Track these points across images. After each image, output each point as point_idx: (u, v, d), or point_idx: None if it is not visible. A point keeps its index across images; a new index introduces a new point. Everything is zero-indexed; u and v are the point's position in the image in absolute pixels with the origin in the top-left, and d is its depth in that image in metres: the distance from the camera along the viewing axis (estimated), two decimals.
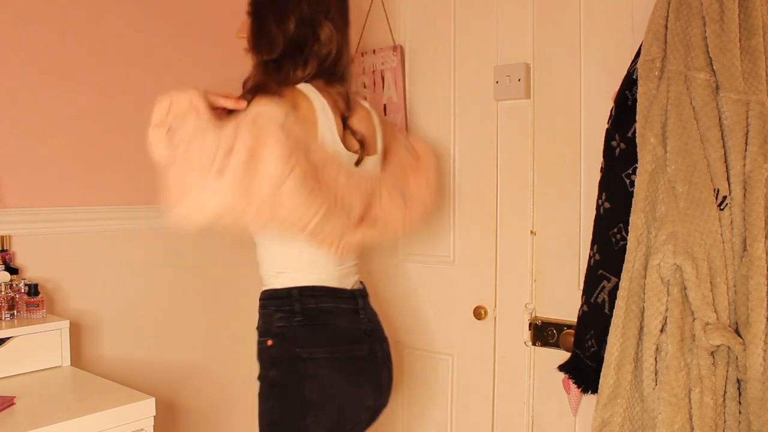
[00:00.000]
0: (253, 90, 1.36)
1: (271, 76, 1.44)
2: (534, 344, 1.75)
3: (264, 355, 1.46)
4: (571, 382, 1.52)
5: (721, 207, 1.25)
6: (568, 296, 1.67)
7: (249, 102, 1.30)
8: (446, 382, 1.96)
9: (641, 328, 1.32)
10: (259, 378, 1.47)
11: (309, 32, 1.45)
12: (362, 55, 2.07)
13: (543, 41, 1.72)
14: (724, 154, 1.26)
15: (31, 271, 1.74)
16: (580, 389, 1.49)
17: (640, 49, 1.39)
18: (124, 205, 1.95)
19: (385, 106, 2.00)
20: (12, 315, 1.61)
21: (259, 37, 1.49)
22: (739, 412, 1.26)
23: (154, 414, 1.42)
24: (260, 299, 1.49)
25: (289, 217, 1.22)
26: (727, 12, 1.27)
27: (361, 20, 2.03)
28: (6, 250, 1.68)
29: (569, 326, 1.65)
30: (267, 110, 1.21)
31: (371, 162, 1.53)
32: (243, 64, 2.38)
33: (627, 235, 1.35)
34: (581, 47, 1.65)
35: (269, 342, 1.45)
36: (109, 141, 1.92)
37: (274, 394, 1.44)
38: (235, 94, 1.34)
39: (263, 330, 1.48)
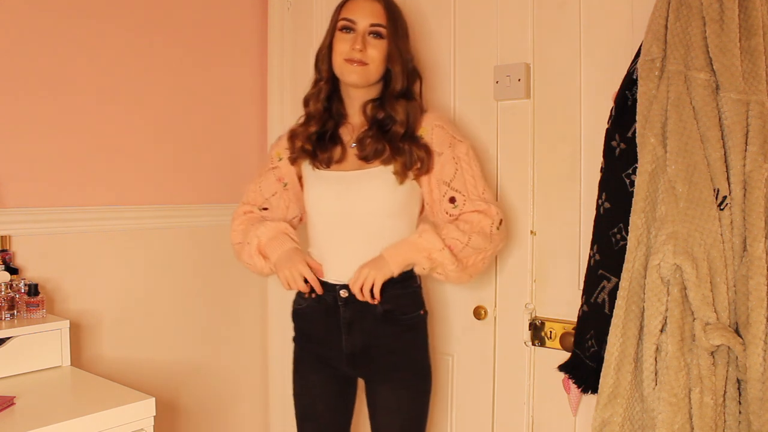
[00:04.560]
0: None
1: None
2: (534, 344, 1.75)
3: (422, 325, 1.65)
4: (571, 382, 1.52)
5: (721, 207, 1.25)
6: (568, 296, 1.67)
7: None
8: (446, 382, 1.96)
9: (641, 328, 1.32)
10: (413, 360, 1.62)
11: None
12: None
13: (543, 41, 1.72)
14: (724, 154, 1.26)
15: (31, 271, 1.74)
16: (580, 389, 1.49)
17: (640, 49, 1.39)
18: (124, 205, 1.95)
19: None
20: (12, 315, 1.61)
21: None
22: (739, 412, 1.26)
23: (154, 414, 1.42)
24: (399, 281, 1.56)
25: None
26: (727, 12, 1.27)
27: None
28: (6, 250, 1.68)
29: (569, 326, 1.65)
30: None
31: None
32: (241, 64, 2.38)
33: (627, 235, 1.35)
34: (581, 47, 1.65)
35: (422, 312, 1.65)
36: (109, 141, 1.92)
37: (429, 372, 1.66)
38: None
39: (416, 304, 1.64)
